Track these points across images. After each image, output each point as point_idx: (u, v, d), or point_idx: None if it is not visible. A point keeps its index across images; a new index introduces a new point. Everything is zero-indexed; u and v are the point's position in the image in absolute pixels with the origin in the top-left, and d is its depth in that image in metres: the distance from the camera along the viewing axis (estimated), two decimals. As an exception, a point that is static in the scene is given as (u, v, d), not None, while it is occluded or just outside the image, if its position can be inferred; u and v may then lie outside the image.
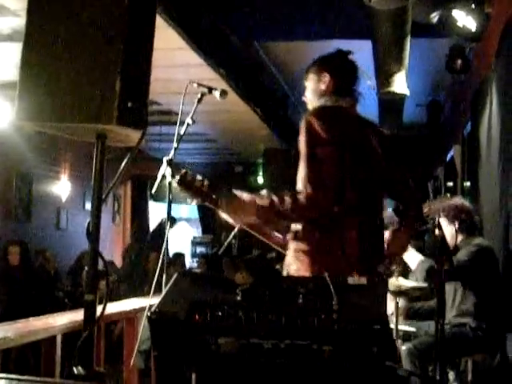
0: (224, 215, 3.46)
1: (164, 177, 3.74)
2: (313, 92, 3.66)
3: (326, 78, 3.59)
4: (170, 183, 3.76)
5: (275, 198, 3.28)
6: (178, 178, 3.34)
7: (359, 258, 3.32)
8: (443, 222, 5.13)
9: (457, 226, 5.16)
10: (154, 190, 3.80)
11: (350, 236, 3.33)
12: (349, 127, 3.45)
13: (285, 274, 3.40)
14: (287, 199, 3.26)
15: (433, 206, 5.40)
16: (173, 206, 3.87)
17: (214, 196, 3.42)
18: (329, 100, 3.55)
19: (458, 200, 5.46)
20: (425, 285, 5.61)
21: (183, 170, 3.33)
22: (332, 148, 3.29)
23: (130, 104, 2.66)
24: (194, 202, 3.49)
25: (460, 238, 5.20)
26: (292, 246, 3.43)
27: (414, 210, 3.77)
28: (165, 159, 3.74)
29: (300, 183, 3.32)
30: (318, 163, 3.27)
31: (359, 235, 3.35)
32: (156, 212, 18.02)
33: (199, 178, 3.39)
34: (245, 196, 3.38)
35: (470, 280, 4.96)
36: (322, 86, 3.60)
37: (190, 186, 3.35)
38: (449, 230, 5.12)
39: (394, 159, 3.74)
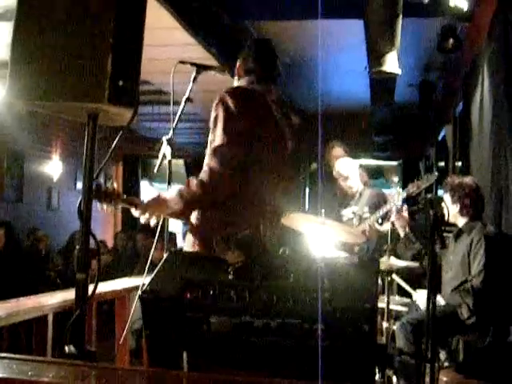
0: (144, 214, 3.50)
1: (164, 156, 3.75)
2: (235, 76, 3.96)
3: (238, 63, 3.92)
4: (169, 162, 3.78)
5: (181, 188, 3.44)
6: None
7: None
8: (447, 199, 5.14)
9: (458, 207, 5.15)
10: (155, 170, 3.80)
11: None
12: (259, 109, 3.63)
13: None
14: (191, 184, 3.40)
15: (447, 179, 5.42)
16: (165, 186, 3.88)
17: (128, 199, 3.49)
18: (243, 82, 3.83)
19: (469, 181, 5.38)
20: (416, 264, 5.64)
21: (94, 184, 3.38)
22: (241, 123, 3.48)
23: (121, 82, 2.65)
24: (110, 209, 3.51)
25: (464, 220, 5.19)
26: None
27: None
28: (164, 138, 3.74)
29: (207, 157, 3.49)
30: (230, 133, 3.44)
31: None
32: (147, 192, 17.97)
33: (109, 186, 3.45)
34: (160, 194, 3.52)
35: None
36: (238, 71, 3.92)
37: (100, 196, 3.38)
38: (451, 208, 5.13)
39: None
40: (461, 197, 5.16)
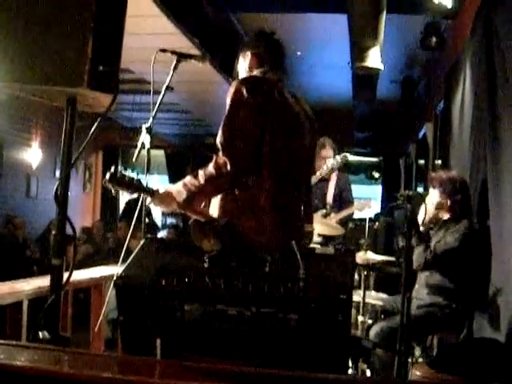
0: (157, 204, 3.48)
1: (143, 145, 3.72)
2: (241, 71, 3.79)
3: (249, 56, 3.74)
4: (148, 150, 3.75)
5: (189, 180, 3.36)
6: (107, 176, 3.32)
7: (272, 226, 3.29)
8: (435, 194, 5.06)
9: (449, 203, 5.07)
10: (134, 159, 3.75)
11: (262, 204, 3.32)
12: (273, 97, 3.48)
13: None
14: (199, 175, 3.32)
15: (434, 175, 5.34)
16: (143, 177, 3.84)
17: (145, 187, 3.43)
18: (257, 74, 3.66)
19: (458, 176, 5.31)
20: (393, 259, 5.65)
21: (112, 169, 3.31)
22: (253, 112, 3.35)
23: (101, 68, 2.63)
24: (127, 194, 3.47)
25: (451, 215, 5.09)
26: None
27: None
28: (144, 127, 3.71)
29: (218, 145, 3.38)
30: (238, 125, 3.35)
31: (273, 204, 3.34)
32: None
33: (127, 173, 3.39)
34: (170, 187, 3.46)
35: (454, 264, 4.93)
36: (247, 64, 3.74)
37: (119, 183, 3.33)
38: (439, 203, 5.07)
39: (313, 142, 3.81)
40: (451, 192, 5.08)
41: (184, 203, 3.34)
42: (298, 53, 7.37)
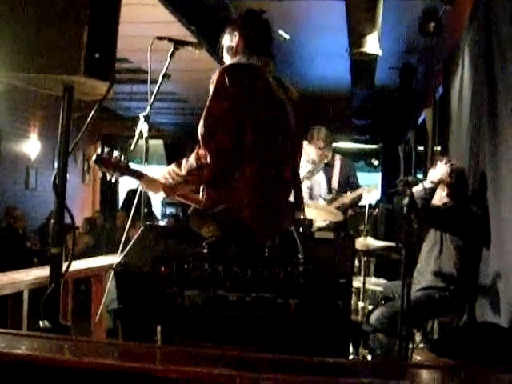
0: (144, 188, 3.53)
1: (141, 134, 3.72)
2: (226, 51, 3.73)
3: (236, 37, 3.67)
4: (146, 139, 3.75)
5: (173, 168, 3.41)
6: (93, 158, 3.33)
7: (254, 216, 3.23)
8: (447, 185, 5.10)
9: (446, 191, 5.09)
10: (132, 147, 3.74)
11: (243, 193, 3.30)
12: (256, 85, 3.44)
13: None
14: (182, 165, 3.37)
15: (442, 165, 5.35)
16: (142, 166, 3.84)
17: (133, 169, 3.44)
18: (241, 58, 3.61)
19: (456, 164, 5.32)
20: (393, 244, 5.65)
21: (99, 150, 3.33)
22: (234, 102, 3.33)
23: (97, 55, 2.62)
24: (114, 177, 3.48)
25: (449, 201, 5.10)
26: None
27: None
28: (141, 115, 3.70)
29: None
30: (218, 117, 3.33)
31: (255, 192, 3.32)
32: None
33: (115, 154, 3.39)
34: (157, 173, 3.50)
35: (451, 231, 4.94)
36: (233, 45, 3.67)
37: (106, 163, 3.34)
38: (439, 191, 5.11)
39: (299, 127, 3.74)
40: (450, 184, 5.09)
41: (168, 190, 3.40)
42: (287, 36, 7.26)
